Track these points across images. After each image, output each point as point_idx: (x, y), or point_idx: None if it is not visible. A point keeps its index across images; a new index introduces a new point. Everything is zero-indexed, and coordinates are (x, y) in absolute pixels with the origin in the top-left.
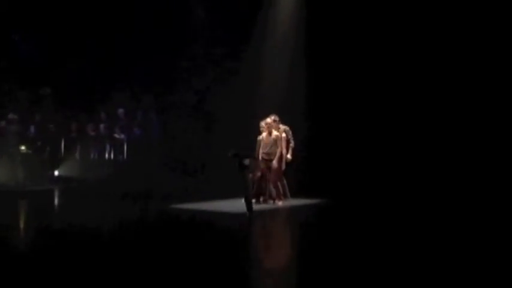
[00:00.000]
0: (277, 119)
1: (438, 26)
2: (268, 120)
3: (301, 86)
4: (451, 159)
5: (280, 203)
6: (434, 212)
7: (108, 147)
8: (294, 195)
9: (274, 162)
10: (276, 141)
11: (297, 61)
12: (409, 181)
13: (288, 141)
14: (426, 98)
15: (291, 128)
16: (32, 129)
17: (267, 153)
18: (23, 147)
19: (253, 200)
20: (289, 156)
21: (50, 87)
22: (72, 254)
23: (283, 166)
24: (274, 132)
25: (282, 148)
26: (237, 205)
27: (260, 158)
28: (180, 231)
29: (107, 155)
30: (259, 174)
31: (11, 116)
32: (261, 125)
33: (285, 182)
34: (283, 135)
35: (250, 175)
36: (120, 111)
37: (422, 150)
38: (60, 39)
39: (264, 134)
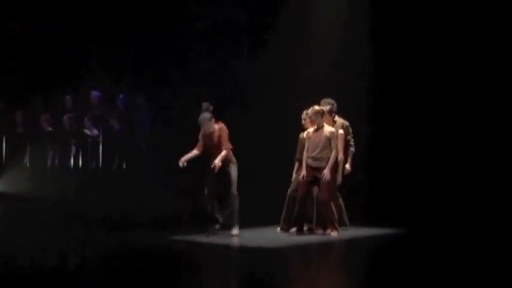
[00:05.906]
0: (333, 106)
1: None
2: (313, 108)
3: (365, 69)
4: None
5: (334, 233)
6: None
7: (74, 149)
8: (354, 221)
9: (327, 172)
10: (330, 140)
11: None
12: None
13: (347, 142)
14: None
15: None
16: None
17: (316, 158)
18: None
19: (294, 229)
20: (347, 166)
21: None
22: None
23: (340, 179)
24: (328, 128)
25: (338, 151)
26: (268, 236)
27: (304, 165)
28: (187, 280)
29: (72, 161)
30: (303, 189)
31: None
32: (302, 117)
33: (341, 201)
34: (340, 132)
35: (289, 191)
36: (95, 94)
37: None
38: None
39: (311, 130)
